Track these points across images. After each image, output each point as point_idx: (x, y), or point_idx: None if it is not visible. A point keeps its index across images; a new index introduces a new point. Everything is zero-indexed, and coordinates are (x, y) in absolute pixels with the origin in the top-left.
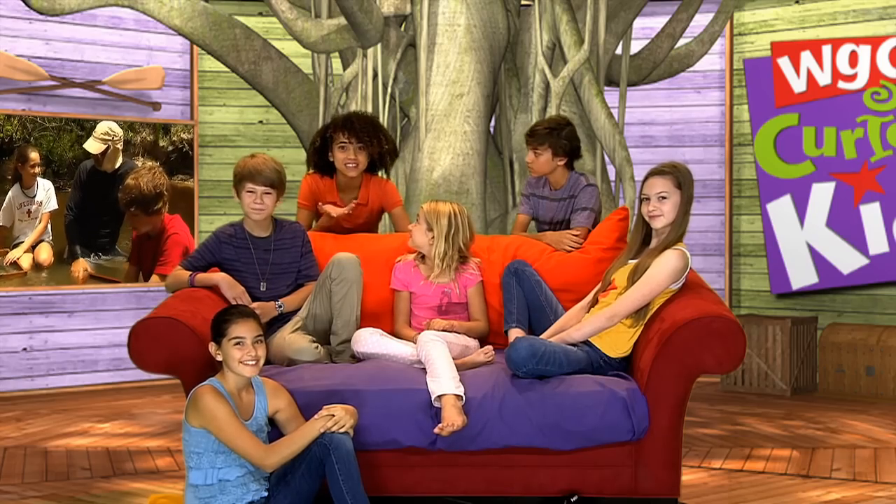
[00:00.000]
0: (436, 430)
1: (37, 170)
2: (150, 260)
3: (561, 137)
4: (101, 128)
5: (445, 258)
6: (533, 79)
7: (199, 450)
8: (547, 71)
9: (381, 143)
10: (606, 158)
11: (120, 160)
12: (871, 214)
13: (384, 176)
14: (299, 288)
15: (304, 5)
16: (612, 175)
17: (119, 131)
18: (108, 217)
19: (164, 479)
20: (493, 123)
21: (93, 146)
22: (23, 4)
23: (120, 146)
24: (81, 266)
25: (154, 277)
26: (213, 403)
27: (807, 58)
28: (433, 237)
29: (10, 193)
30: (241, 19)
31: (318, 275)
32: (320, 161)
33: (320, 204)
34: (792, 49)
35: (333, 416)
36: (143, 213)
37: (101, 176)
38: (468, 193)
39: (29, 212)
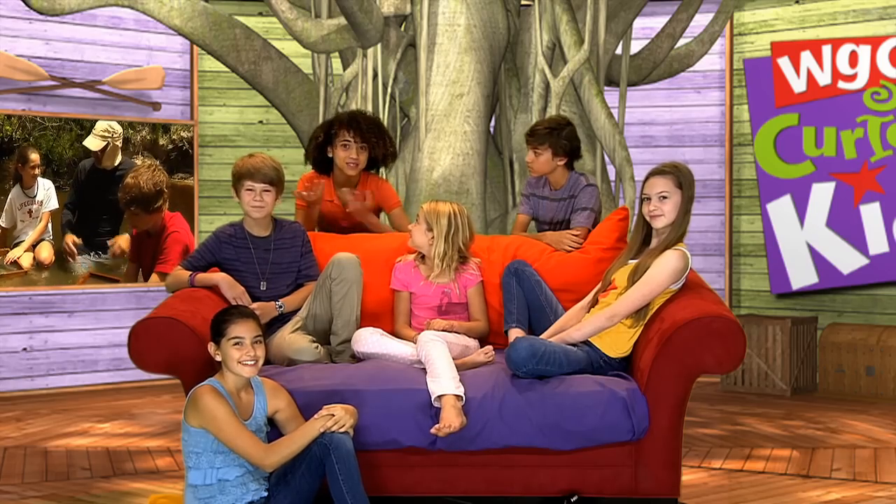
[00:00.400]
0: (432, 431)
1: (37, 171)
2: (150, 258)
3: (561, 137)
4: (101, 125)
5: (445, 258)
6: (533, 79)
7: (198, 450)
8: (547, 71)
9: (385, 145)
10: (606, 158)
11: (119, 158)
12: (871, 214)
13: (382, 175)
14: (299, 288)
15: (304, 5)
16: (612, 175)
17: (119, 129)
18: (107, 215)
19: (164, 479)
20: (493, 123)
21: (93, 143)
22: (23, 4)
23: (119, 144)
24: (70, 239)
25: (154, 277)
26: (213, 403)
27: (807, 58)
28: (433, 237)
29: (11, 194)
30: (241, 19)
31: (318, 274)
32: (319, 156)
33: (342, 189)
34: (792, 49)
35: (333, 415)
36: (143, 212)
37: (100, 174)
38: (468, 193)
39: (30, 211)
